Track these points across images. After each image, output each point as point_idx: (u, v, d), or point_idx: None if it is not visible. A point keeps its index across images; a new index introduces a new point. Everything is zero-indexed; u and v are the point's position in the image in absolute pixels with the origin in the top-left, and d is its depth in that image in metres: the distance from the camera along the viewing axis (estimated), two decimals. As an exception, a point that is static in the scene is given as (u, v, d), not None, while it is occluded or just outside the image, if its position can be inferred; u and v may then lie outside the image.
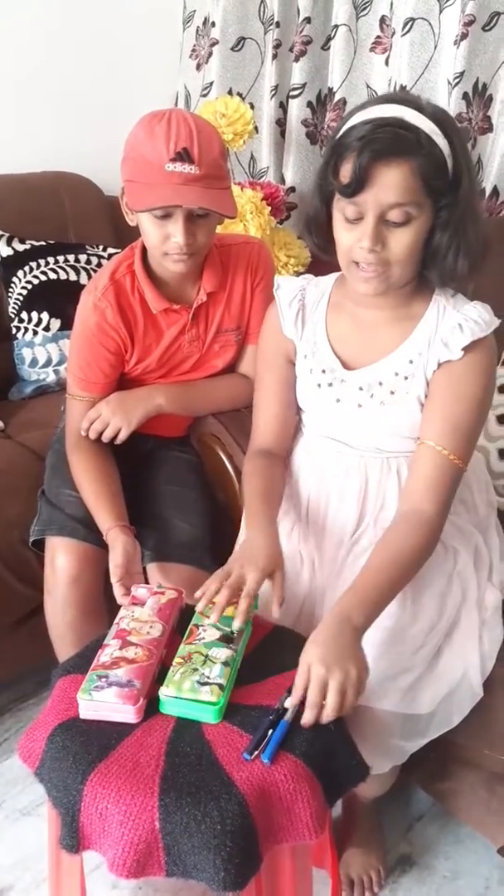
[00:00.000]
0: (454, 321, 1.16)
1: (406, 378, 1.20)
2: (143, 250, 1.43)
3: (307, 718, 0.98)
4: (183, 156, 1.26)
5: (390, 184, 1.04)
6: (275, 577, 1.11)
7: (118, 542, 1.31)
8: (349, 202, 1.08)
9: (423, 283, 1.20)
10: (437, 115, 1.08)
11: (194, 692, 0.99)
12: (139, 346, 1.46)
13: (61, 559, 1.41)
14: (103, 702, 0.99)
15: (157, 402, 1.48)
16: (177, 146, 1.25)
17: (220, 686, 1.00)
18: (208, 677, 1.01)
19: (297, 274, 2.16)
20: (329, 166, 1.11)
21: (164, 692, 1.00)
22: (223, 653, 1.05)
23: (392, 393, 1.20)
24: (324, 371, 1.26)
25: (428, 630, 1.17)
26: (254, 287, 1.51)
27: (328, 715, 0.98)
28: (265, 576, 1.10)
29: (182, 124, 1.26)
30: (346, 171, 1.06)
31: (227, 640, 1.08)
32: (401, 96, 1.12)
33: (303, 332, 1.28)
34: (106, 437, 1.45)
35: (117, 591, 1.25)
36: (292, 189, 2.33)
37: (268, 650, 1.13)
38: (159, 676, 1.04)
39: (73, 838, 0.94)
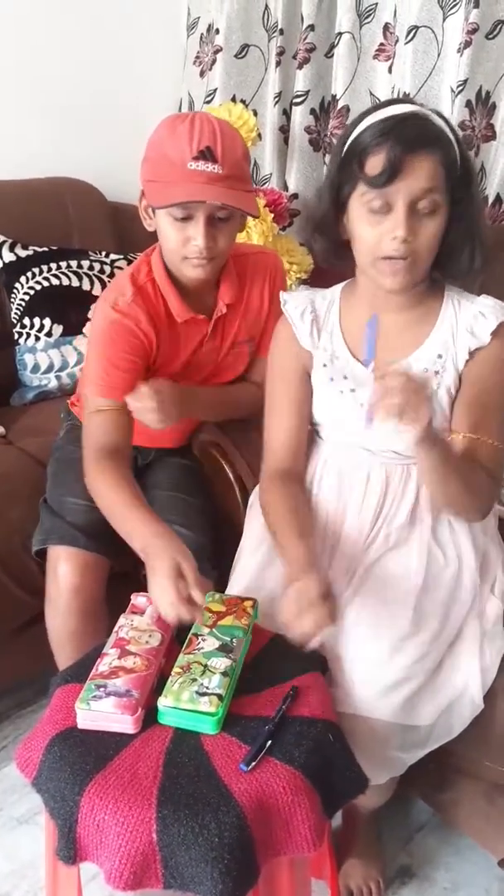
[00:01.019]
0: (474, 311, 1.20)
1: (437, 373, 1.20)
2: (161, 259, 1.40)
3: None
4: (206, 154, 1.24)
5: (421, 172, 1.08)
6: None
7: (163, 561, 1.13)
8: (378, 193, 1.09)
9: (433, 282, 1.23)
10: (443, 116, 1.14)
11: (193, 703, 0.99)
12: (162, 355, 1.43)
13: (63, 568, 1.40)
14: (101, 712, 0.99)
15: (194, 409, 1.48)
16: (200, 144, 1.24)
17: (219, 696, 1.00)
18: (207, 687, 1.01)
19: (301, 280, 2.17)
20: (351, 162, 1.12)
21: (163, 702, 1.00)
22: (222, 663, 1.05)
23: None
24: (345, 377, 1.25)
25: (430, 640, 1.16)
26: (271, 299, 1.49)
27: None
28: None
29: (206, 124, 1.26)
30: (375, 163, 1.08)
31: (225, 649, 1.07)
32: (408, 100, 1.14)
33: (319, 342, 1.27)
34: (142, 422, 1.36)
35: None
36: (295, 196, 2.33)
37: (267, 660, 1.13)
38: (158, 686, 1.04)
39: (70, 849, 0.93)
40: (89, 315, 1.93)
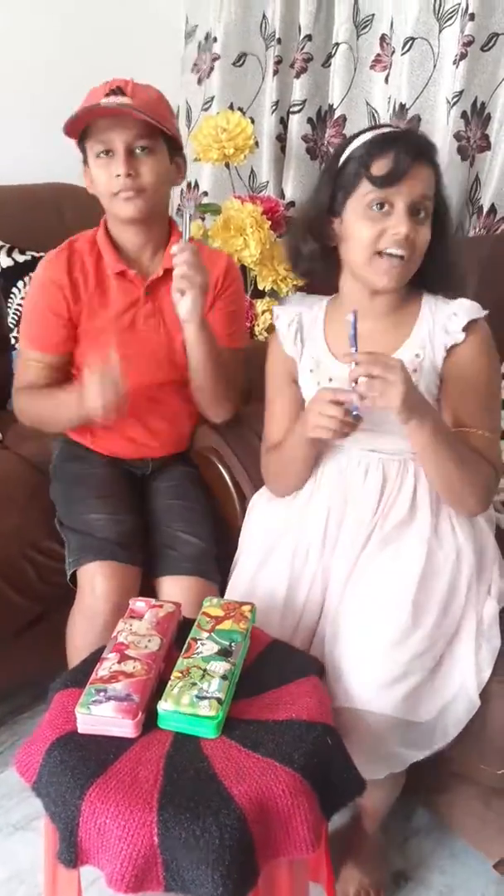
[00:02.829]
0: (448, 311, 1.25)
1: (415, 371, 1.23)
2: (106, 225, 1.48)
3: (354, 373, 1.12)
4: (116, 91, 1.34)
5: (421, 180, 1.17)
6: None
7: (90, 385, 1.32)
8: (381, 193, 1.16)
9: (412, 288, 1.28)
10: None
11: (193, 707, 0.99)
12: (87, 308, 1.47)
13: (103, 585, 1.36)
14: (102, 716, 0.99)
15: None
16: (112, 86, 1.34)
17: (219, 700, 1.00)
18: (207, 691, 1.01)
19: (297, 287, 2.18)
20: (352, 167, 1.19)
21: (163, 706, 1.00)
22: (221, 666, 1.05)
23: None
24: (331, 379, 1.29)
25: (429, 635, 1.18)
26: (216, 293, 1.50)
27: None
28: None
29: (121, 79, 1.36)
30: (382, 165, 1.16)
31: (225, 653, 1.08)
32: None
33: (303, 349, 1.33)
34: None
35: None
36: (292, 203, 2.35)
37: (266, 664, 1.14)
38: (157, 690, 1.04)
39: (71, 853, 0.94)
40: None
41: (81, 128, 1.38)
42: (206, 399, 1.51)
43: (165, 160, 1.41)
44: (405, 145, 1.16)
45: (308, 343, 1.33)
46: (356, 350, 1.14)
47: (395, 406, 1.11)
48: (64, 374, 1.54)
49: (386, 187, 1.16)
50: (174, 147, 1.44)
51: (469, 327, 1.22)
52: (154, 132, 1.37)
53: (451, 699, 1.18)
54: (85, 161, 1.43)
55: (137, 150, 1.37)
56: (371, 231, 1.18)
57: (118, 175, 1.36)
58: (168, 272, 1.43)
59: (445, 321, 1.24)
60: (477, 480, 1.22)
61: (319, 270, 1.32)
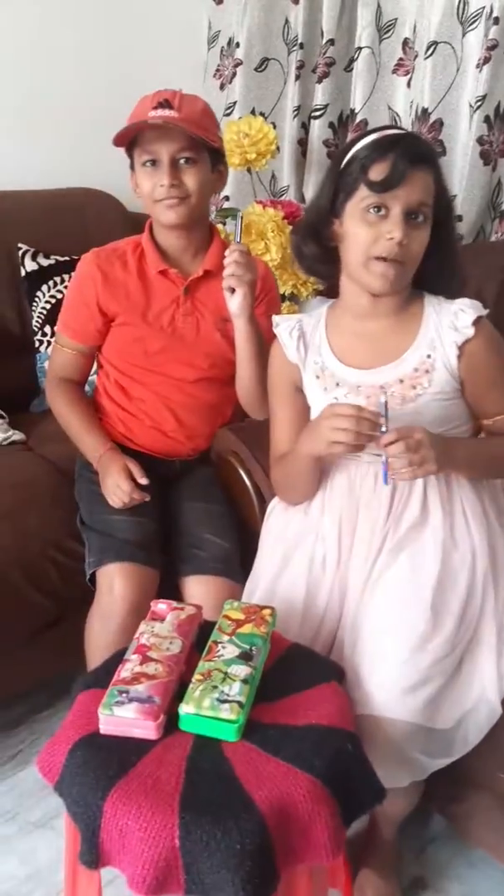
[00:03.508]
0: (454, 309, 1.25)
1: (427, 371, 1.24)
2: (151, 228, 1.54)
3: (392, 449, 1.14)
4: (164, 104, 1.39)
5: (418, 185, 1.17)
6: None
7: (116, 464, 1.47)
8: (378, 198, 1.16)
9: (413, 290, 1.29)
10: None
11: (214, 710, 1.00)
12: (127, 307, 1.52)
13: (121, 586, 1.38)
14: (124, 717, 0.99)
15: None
16: (159, 98, 1.40)
17: (240, 704, 1.01)
18: (228, 695, 1.01)
19: (317, 291, 2.19)
20: (353, 170, 1.19)
21: (184, 709, 1.01)
22: (242, 670, 1.06)
23: (413, 388, 1.25)
24: (338, 384, 1.29)
25: (448, 640, 1.17)
26: (261, 292, 1.54)
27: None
28: None
29: (169, 90, 1.42)
30: (379, 170, 1.16)
31: (245, 657, 1.08)
32: (401, 127, 1.25)
33: (306, 356, 1.33)
34: None
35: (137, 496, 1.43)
36: (313, 208, 2.35)
37: (286, 668, 1.14)
38: (178, 693, 1.05)
39: (92, 854, 0.94)
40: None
41: (130, 138, 1.44)
42: (252, 396, 1.54)
43: (207, 170, 1.46)
44: (404, 150, 1.16)
45: (311, 349, 1.33)
46: (386, 428, 1.14)
47: (433, 472, 1.16)
48: (94, 361, 1.64)
49: (382, 192, 1.16)
50: (217, 156, 1.49)
51: (476, 322, 1.23)
52: (198, 144, 1.42)
53: (472, 707, 1.18)
54: (132, 167, 1.49)
55: (181, 161, 1.42)
56: (367, 234, 1.18)
57: (162, 185, 1.41)
58: (208, 273, 1.51)
59: (452, 319, 1.24)
60: None
61: (322, 271, 1.33)
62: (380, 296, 1.25)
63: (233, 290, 1.40)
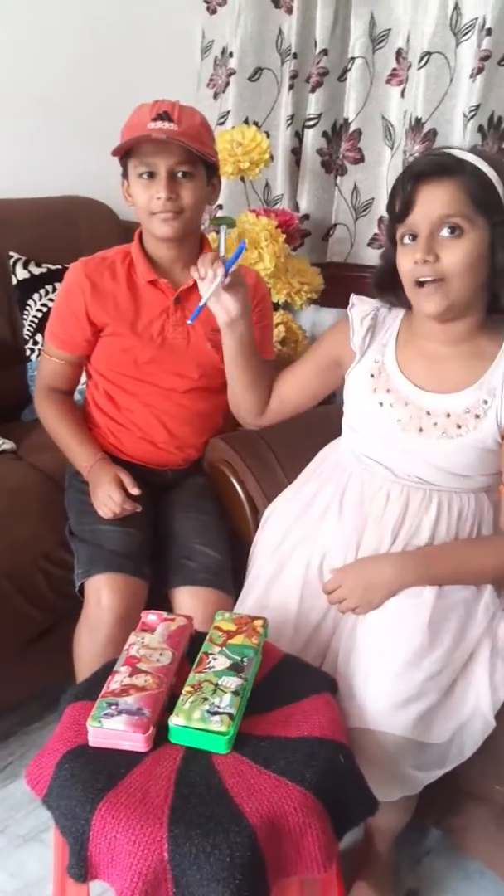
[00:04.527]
0: None
1: (478, 417, 1.22)
2: (140, 237, 1.54)
3: None
4: (163, 116, 1.38)
5: (435, 199, 1.15)
6: None
7: (107, 474, 1.46)
8: (403, 226, 1.19)
9: (494, 321, 1.25)
10: (480, 151, 1.22)
11: (204, 722, 0.98)
12: (114, 316, 1.51)
13: (109, 597, 1.37)
14: (113, 730, 0.98)
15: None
16: (158, 110, 1.39)
17: (230, 716, 1.00)
18: (218, 707, 1.00)
19: (311, 300, 2.19)
20: (391, 210, 1.22)
21: (174, 721, 1.00)
22: (233, 682, 1.05)
23: (458, 427, 1.23)
24: (388, 391, 1.28)
25: (444, 657, 1.16)
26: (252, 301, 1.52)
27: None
28: None
29: (167, 101, 1.41)
30: (397, 201, 1.19)
31: (236, 668, 1.07)
32: (443, 148, 1.22)
33: (368, 350, 1.32)
34: None
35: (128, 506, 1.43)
36: (306, 217, 2.35)
37: (278, 679, 1.13)
38: (168, 704, 1.04)
39: (81, 867, 0.93)
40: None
41: (127, 148, 1.43)
42: (243, 405, 1.50)
43: (203, 183, 1.46)
44: (409, 172, 1.17)
45: (376, 344, 1.32)
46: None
47: (377, 606, 1.21)
48: (82, 370, 1.63)
49: (401, 221, 1.18)
50: (212, 169, 1.49)
51: None
52: (196, 158, 1.42)
53: (467, 720, 1.17)
54: (124, 174, 1.48)
55: (179, 175, 1.41)
56: (404, 263, 1.20)
57: (159, 197, 1.41)
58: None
59: None
60: (500, 568, 1.25)
61: (395, 301, 1.32)
62: (441, 321, 1.23)
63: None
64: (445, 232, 1.15)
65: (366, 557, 1.26)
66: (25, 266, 1.97)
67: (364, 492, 1.30)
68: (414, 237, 1.18)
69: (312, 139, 2.29)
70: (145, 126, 1.38)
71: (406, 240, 1.19)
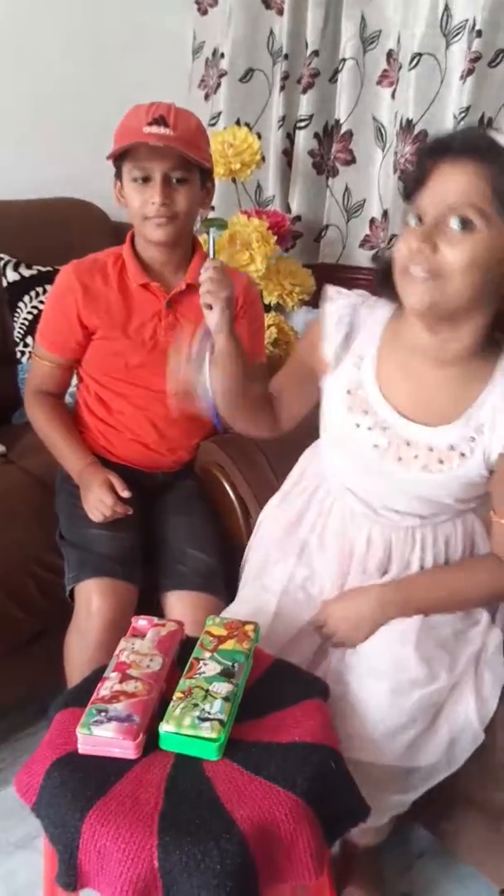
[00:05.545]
0: None
1: (463, 455, 1.10)
2: (132, 239, 1.53)
3: None
4: (159, 121, 1.38)
5: (451, 182, 0.97)
6: None
7: (97, 478, 1.45)
8: (412, 206, 1.01)
9: (492, 346, 1.08)
10: None
11: (195, 728, 0.98)
12: (106, 319, 1.50)
13: (99, 602, 1.36)
14: (103, 737, 0.98)
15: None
16: (154, 113, 1.38)
17: (221, 722, 0.99)
18: (209, 713, 1.00)
19: (303, 302, 2.18)
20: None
21: (164, 728, 0.99)
22: (224, 687, 1.04)
23: (440, 462, 1.11)
24: (366, 412, 1.15)
25: (437, 688, 1.13)
26: (235, 312, 1.48)
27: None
28: None
29: (163, 104, 1.41)
30: (411, 176, 1.03)
31: (227, 674, 1.07)
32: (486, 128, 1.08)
33: (344, 360, 1.17)
34: None
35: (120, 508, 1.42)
36: (298, 218, 2.35)
37: (269, 684, 1.12)
38: (159, 711, 1.03)
39: (70, 876, 0.92)
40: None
41: (122, 152, 1.42)
42: (233, 410, 1.49)
43: (198, 188, 1.46)
44: (428, 146, 1.01)
45: (353, 355, 1.16)
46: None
47: (364, 639, 1.17)
48: (73, 373, 1.63)
49: (407, 198, 1.02)
50: (206, 174, 1.49)
51: None
52: (191, 163, 1.42)
53: (457, 735, 1.14)
54: (118, 176, 1.48)
55: (174, 180, 1.41)
56: (403, 247, 1.01)
57: (153, 202, 1.41)
58: (190, 287, 1.49)
59: None
60: (486, 593, 1.20)
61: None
62: (426, 325, 1.07)
63: (210, 307, 1.35)
64: (454, 223, 0.96)
65: (350, 591, 1.21)
66: (16, 268, 1.95)
67: (346, 529, 1.25)
68: (420, 220, 1.00)
69: (304, 140, 2.29)
70: (141, 130, 1.37)
71: (411, 221, 1.01)
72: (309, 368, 1.24)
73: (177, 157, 1.39)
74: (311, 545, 1.29)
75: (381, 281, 1.12)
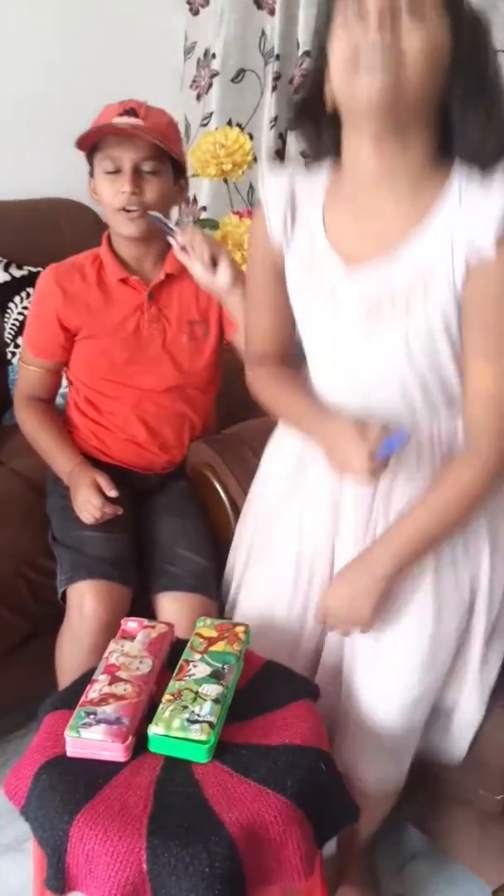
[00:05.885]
0: (482, 207, 0.93)
1: (426, 284, 0.98)
2: (109, 238, 1.54)
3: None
4: (130, 112, 1.39)
5: None
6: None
7: (85, 479, 1.44)
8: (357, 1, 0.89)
9: (439, 161, 0.98)
10: None
11: (184, 731, 0.98)
12: (88, 317, 1.50)
13: (92, 604, 1.35)
14: (91, 739, 0.97)
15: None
16: (126, 107, 1.39)
17: (211, 724, 0.99)
18: (198, 715, 0.99)
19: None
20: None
21: (153, 730, 0.98)
22: (213, 689, 1.04)
23: (407, 303, 0.99)
24: (321, 273, 1.05)
25: (441, 676, 1.16)
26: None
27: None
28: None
29: (136, 100, 1.41)
30: None
31: (217, 676, 1.06)
32: None
33: (293, 233, 1.08)
34: None
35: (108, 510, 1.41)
36: (290, 218, 2.35)
37: (260, 686, 1.12)
38: (148, 713, 1.03)
39: (59, 879, 0.92)
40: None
41: (93, 142, 1.43)
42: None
43: (170, 182, 1.46)
44: None
45: (302, 225, 1.07)
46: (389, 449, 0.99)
47: (370, 617, 1.11)
48: (61, 378, 1.63)
49: None
50: (179, 170, 1.49)
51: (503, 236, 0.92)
52: (162, 155, 1.42)
53: (451, 723, 1.17)
54: (91, 173, 1.49)
55: (144, 171, 1.41)
56: (354, 37, 0.90)
57: (123, 192, 1.40)
58: (170, 276, 1.50)
59: (475, 222, 0.93)
60: (466, 504, 1.05)
61: (326, 152, 1.05)
62: (377, 140, 0.94)
63: (214, 265, 1.29)
64: (407, 9, 0.88)
65: (337, 574, 1.15)
66: (6, 269, 1.95)
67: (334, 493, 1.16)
68: (364, 13, 0.89)
69: (296, 141, 2.29)
70: (111, 121, 1.39)
71: (356, 11, 0.89)
72: (277, 273, 1.12)
73: (147, 148, 1.39)
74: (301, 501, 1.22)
75: (301, 122, 1.05)
